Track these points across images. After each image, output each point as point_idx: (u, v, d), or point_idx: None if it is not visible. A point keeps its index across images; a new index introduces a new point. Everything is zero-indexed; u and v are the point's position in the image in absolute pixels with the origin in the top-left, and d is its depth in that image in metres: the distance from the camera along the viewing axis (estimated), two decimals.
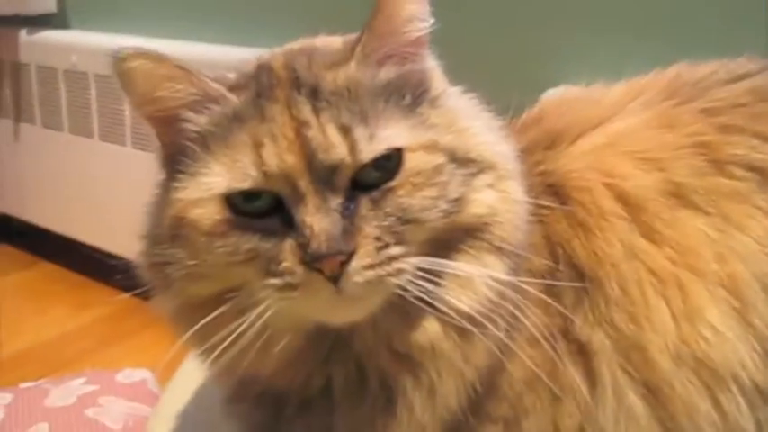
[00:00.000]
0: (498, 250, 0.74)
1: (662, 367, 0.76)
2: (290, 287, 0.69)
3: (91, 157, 2.82)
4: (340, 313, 0.72)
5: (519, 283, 0.74)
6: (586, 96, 0.90)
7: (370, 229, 0.69)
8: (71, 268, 3.16)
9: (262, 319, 0.70)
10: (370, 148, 0.69)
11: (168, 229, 0.74)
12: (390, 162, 0.70)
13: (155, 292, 0.79)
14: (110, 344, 2.65)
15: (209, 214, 0.71)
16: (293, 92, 0.71)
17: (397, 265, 0.69)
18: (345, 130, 0.69)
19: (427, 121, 0.74)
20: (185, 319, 0.76)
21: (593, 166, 0.81)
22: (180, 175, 0.74)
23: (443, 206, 0.71)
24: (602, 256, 0.78)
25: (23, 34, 2.96)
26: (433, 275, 0.71)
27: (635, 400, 0.76)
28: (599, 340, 0.77)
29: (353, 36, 0.76)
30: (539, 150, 0.85)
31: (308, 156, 0.68)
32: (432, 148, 0.72)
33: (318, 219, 0.68)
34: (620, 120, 0.85)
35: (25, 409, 1.41)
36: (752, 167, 0.79)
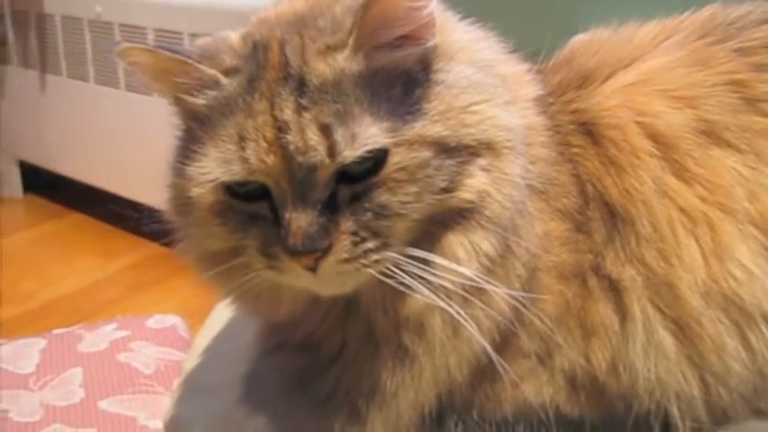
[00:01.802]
0: (486, 228, 0.74)
1: (691, 305, 0.76)
2: (276, 268, 0.72)
3: (117, 107, 2.83)
4: (325, 290, 0.75)
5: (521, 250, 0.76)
6: (618, 36, 0.89)
7: (347, 224, 0.70)
8: (98, 218, 3.19)
9: (259, 279, 0.74)
10: (351, 149, 0.69)
11: (180, 194, 0.77)
12: (375, 157, 0.70)
13: (179, 237, 0.82)
14: (138, 291, 2.69)
15: (206, 195, 0.74)
16: (279, 84, 0.71)
17: (374, 256, 0.71)
18: (326, 131, 0.69)
19: (418, 109, 0.72)
20: (204, 266, 0.80)
21: (626, 104, 0.81)
22: (187, 150, 0.75)
23: (428, 199, 0.71)
24: (634, 194, 0.78)
25: None
26: (419, 261, 0.72)
27: (665, 336, 0.77)
28: (630, 277, 0.78)
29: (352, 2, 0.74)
30: (570, 89, 0.84)
31: (288, 157, 0.69)
32: (418, 143, 0.71)
33: (295, 217, 0.69)
34: (653, 58, 0.84)
35: (59, 353, 1.44)
36: None
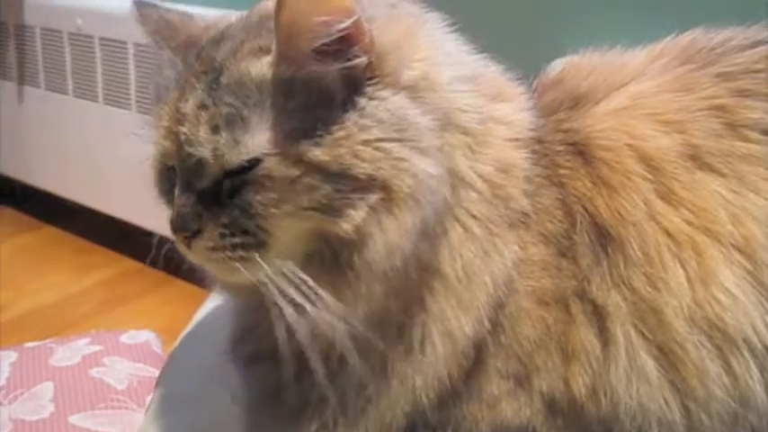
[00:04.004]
0: (367, 275, 0.74)
1: (676, 330, 0.76)
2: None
3: (95, 120, 2.81)
4: (215, 273, 0.80)
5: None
6: (608, 60, 0.90)
7: (219, 215, 0.74)
8: (73, 232, 3.17)
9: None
10: (231, 156, 0.72)
11: None
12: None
13: None
14: (113, 306, 2.66)
15: (152, 170, 0.81)
16: (197, 77, 0.76)
17: (240, 252, 0.74)
18: (216, 132, 0.73)
19: (313, 128, 0.72)
20: None
21: (617, 126, 0.81)
22: None
23: (300, 214, 0.72)
24: (626, 216, 0.78)
25: None
26: (295, 282, 0.73)
27: (647, 361, 0.77)
28: (615, 302, 0.78)
29: None
30: (562, 109, 0.85)
31: (180, 146, 0.74)
32: (291, 159, 0.72)
33: (178, 197, 0.75)
34: (640, 82, 0.85)
35: (30, 367, 1.42)
36: (767, 131, 0.80)
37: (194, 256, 0.76)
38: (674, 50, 0.88)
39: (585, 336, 0.78)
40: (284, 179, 0.72)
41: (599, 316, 0.78)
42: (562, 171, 0.81)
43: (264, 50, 0.74)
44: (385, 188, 0.72)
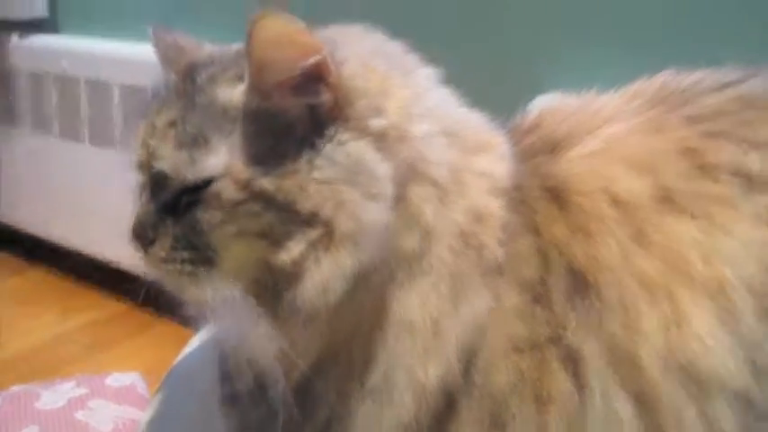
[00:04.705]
0: (293, 309, 0.75)
1: (651, 375, 0.76)
2: None
3: (81, 161, 2.82)
4: (166, 285, 0.81)
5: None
6: (582, 104, 0.91)
7: (173, 228, 0.77)
8: (60, 274, 3.15)
9: None
10: (189, 173, 0.75)
11: None
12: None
13: None
14: (98, 349, 2.64)
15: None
16: (176, 94, 0.80)
17: (188, 267, 0.76)
18: (179, 149, 0.76)
19: (268, 159, 0.74)
20: None
21: (591, 170, 0.82)
22: None
23: (245, 239, 0.75)
24: (601, 261, 0.78)
25: (14, 39, 2.96)
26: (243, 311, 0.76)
27: (623, 406, 0.76)
28: (590, 347, 0.77)
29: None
30: (539, 155, 0.85)
31: (148, 157, 0.78)
32: (240, 184, 0.74)
33: (140, 206, 0.79)
34: (614, 125, 0.86)
35: (15, 411, 1.41)
36: (737, 173, 0.80)
37: (148, 264, 0.78)
38: (646, 93, 0.89)
39: (561, 382, 0.77)
40: (230, 201, 0.74)
41: (574, 362, 0.77)
42: (538, 217, 0.81)
43: (241, 79, 0.77)
44: (326, 226, 0.74)
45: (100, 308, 2.82)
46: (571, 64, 1.71)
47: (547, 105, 0.93)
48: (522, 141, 0.88)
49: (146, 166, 0.79)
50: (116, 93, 2.59)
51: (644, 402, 0.76)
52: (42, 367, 2.54)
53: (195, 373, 1.03)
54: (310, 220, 0.73)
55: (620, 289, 0.77)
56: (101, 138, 2.71)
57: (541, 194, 0.82)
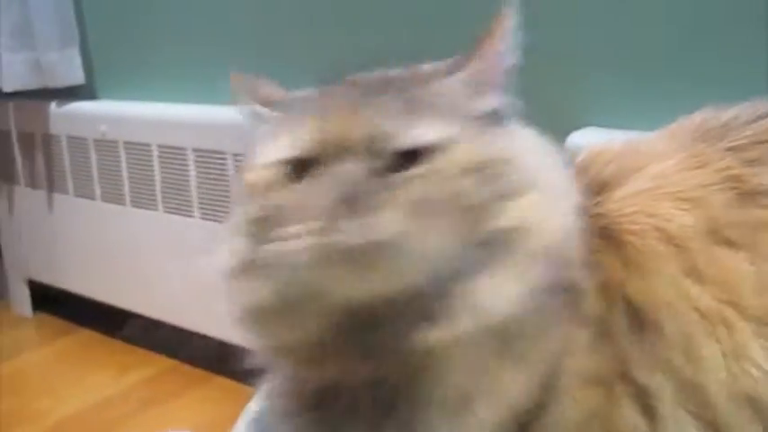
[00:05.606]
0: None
1: (719, 405, 0.77)
2: None
3: (123, 223, 2.85)
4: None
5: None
6: (627, 144, 0.94)
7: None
8: (108, 333, 3.18)
9: None
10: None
11: None
12: None
13: None
14: (152, 406, 2.66)
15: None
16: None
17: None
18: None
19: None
20: None
21: (641, 208, 0.84)
22: None
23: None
24: (658, 297, 0.80)
25: (53, 106, 3.02)
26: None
27: None
28: (657, 382, 0.79)
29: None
30: (591, 195, 0.87)
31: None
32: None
33: (340, 173, 0.75)
34: (659, 163, 0.88)
35: None
36: None
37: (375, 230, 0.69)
38: (686, 130, 0.92)
39: (631, 415, 0.79)
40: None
41: (643, 395, 0.79)
42: (596, 255, 0.83)
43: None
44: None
45: (151, 365, 2.85)
46: (603, 99, 1.72)
47: (594, 148, 0.95)
48: (577, 182, 0.89)
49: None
50: (155, 153, 2.63)
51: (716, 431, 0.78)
52: (98, 426, 2.57)
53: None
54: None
55: (680, 324, 0.79)
56: (142, 199, 2.74)
57: (596, 233, 0.84)
